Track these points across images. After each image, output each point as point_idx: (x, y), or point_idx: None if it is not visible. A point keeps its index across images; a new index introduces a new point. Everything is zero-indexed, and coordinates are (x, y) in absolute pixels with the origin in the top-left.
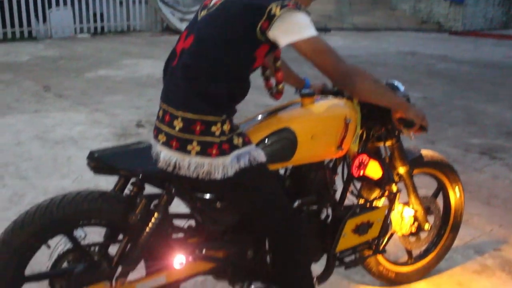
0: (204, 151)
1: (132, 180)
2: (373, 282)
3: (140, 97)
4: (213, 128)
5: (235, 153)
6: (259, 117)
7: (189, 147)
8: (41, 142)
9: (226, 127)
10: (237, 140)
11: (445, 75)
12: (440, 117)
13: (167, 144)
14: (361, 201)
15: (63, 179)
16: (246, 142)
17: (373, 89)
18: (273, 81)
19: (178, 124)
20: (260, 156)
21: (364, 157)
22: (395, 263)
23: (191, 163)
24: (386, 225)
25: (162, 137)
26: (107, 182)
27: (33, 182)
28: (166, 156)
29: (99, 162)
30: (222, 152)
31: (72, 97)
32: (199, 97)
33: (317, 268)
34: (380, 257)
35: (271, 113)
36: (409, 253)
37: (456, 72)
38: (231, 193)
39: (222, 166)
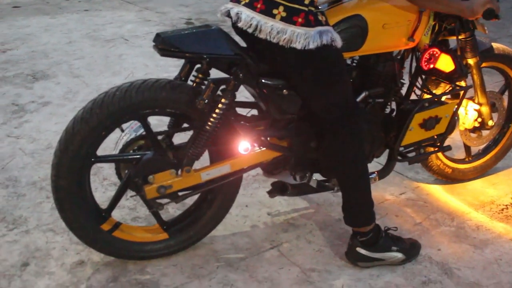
0: (290, 18)
1: (197, 66)
2: (426, 179)
3: None
4: None
5: (319, 28)
6: (326, 4)
7: (274, 11)
8: (92, 40)
9: None
10: (321, 17)
11: None
12: (504, 14)
13: (251, 5)
14: (428, 95)
15: (115, 77)
16: (327, 23)
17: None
18: None
19: None
20: (339, 40)
21: (436, 50)
22: (453, 160)
23: (274, 28)
24: (453, 121)
25: None
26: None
27: (86, 79)
28: (248, 17)
29: (166, 44)
30: (307, 23)
31: None
32: None
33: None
34: (439, 153)
35: (340, 1)
36: (467, 150)
37: None
38: (303, 68)
39: (305, 37)
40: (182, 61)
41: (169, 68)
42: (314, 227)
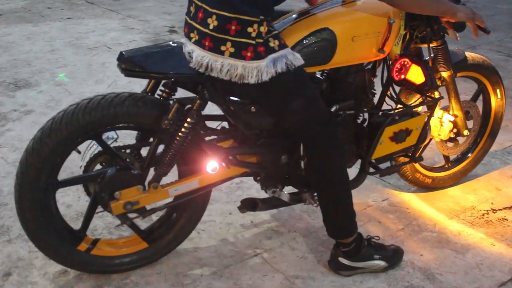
0: (239, 53)
1: (164, 81)
2: (408, 186)
3: (172, 2)
4: (249, 29)
5: (271, 56)
6: (294, 16)
7: (222, 48)
8: (75, 48)
9: (263, 29)
10: (273, 43)
11: None
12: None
13: (200, 43)
14: (399, 106)
15: (98, 85)
16: (283, 45)
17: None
18: None
19: (212, 22)
20: (297, 59)
21: (406, 60)
22: (431, 169)
23: (224, 65)
24: (424, 133)
25: (194, 35)
26: (142, 87)
27: (69, 88)
28: (198, 56)
29: (130, 64)
30: (257, 55)
31: (104, 3)
32: None
33: (351, 173)
34: (416, 164)
35: (308, 13)
36: (446, 158)
37: None
38: (265, 98)
39: (257, 70)
40: None
41: None
42: (298, 234)
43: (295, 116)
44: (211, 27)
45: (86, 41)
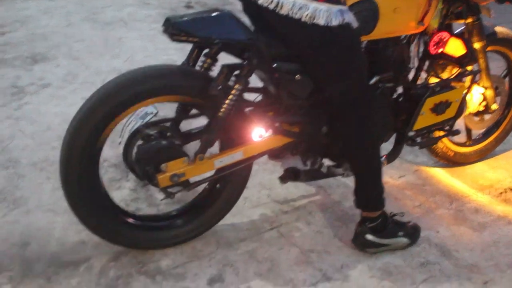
0: None
1: (206, 51)
2: (426, 163)
3: None
4: None
5: (340, 6)
6: None
7: None
8: (92, 23)
9: None
10: None
11: None
12: None
13: None
14: (435, 80)
15: (114, 59)
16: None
17: None
18: None
19: None
20: (356, 22)
21: (445, 34)
22: (455, 143)
23: (296, 3)
24: (462, 105)
25: None
26: (158, 62)
27: (86, 62)
28: None
29: (177, 28)
30: (330, 0)
31: None
32: None
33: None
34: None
35: None
36: (468, 133)
37: None
38: (322, 49)
39: (328, 13)
40: (183, 44)
41: (169, 51)
42: (314, 208)
43: (339, 78)
44: None
45: (103, 16)
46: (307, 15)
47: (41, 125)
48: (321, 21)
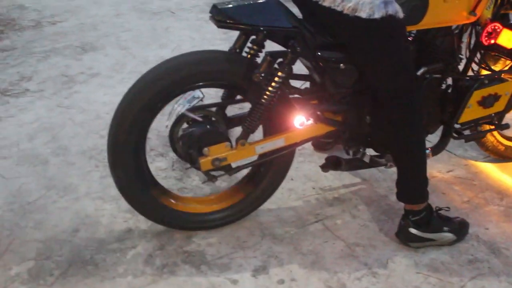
0: None
1: (252, 38)
2: (475, 157)
3: None
4: None
5: None
6: None
7: None
8: (139, 13)
9: None
10: None
11: None
12: None
13: None
14: (486, 72)
15: (161, 49)
16: None
17: None
18: None
19: None
20: (400, 12)
21: (498, 25)
22: (506, 137)
23: None
24: None
25: None
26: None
27: (133, 51)
28: None
29: (223, 15)
30: None
31: None
32: None
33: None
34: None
35: None
36: None
37: None
38: (366, 41)
39: (370, 6)
40: (229, 34)
41: (215, 41)
42: (360, 202)
43: (385, 68)
44: None
45: (150, 5)
46: (349, 7)
47: (90, 114)
48: (363, 14)
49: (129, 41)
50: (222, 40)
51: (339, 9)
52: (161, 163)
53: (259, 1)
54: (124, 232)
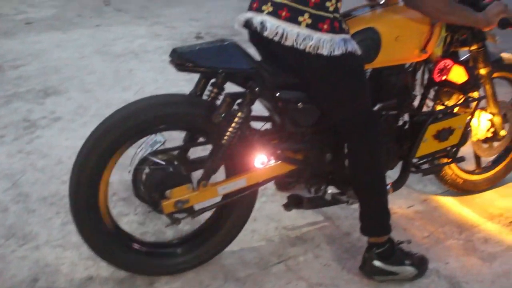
0: (315, 24)
1: (212, 81)
2: (435, 192)
3: (199, 9)
4: (328, 3)
5: (343, 36)
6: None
7: (300, 18)
8: (103, 55)
9: (339, 4)
10: (345, 26)
11: None
12: None
13: (275, 13)
14: (440, 107)
15: (125, 92)
16: (349, 33)
17: (446, 11)
18: None
19: None
20: (358, 50)
21: (448, 61)
22: (464, 170)
23: (300, 34)
24: (466, 132)
25: (267, 8)
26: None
27: (97, 94)
28: (273, 25)
29: (182, 59)
30: (333, 29)
31: (132, 11)
32: None
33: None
34: (451, 164)
35: (350, 15)
36: (477, 161)
37: None
38: (327, 78)
39: (331, 43)
40: (192, 75)
41: (179, 82)
42: (322, 240)
43: (345, 103)
44: None
45: (114, 48)
46: (311, 45)
47: (52, 159)
48: (324, 51)
49: (93, 84)
50: (186, 81)
51: (301, 47)
52: (124, 208)
53: (218, 44)
54: (85, 280)
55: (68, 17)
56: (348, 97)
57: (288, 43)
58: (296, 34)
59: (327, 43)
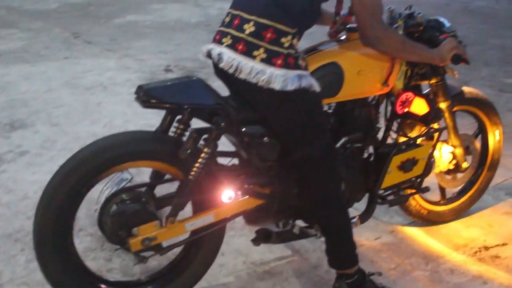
0: (269, 59)
1: (178, 117)
2: (401, 223)
3: (168, 41)
4: (283, 39)
5: (298, 72)
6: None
7: (255, 53)
8: (72, 88)
9: (295, 41)
10: (302, 62)
11: (480, 13)
12: (475, 57)
13: (232, 46)
14: (404, 139)
15: (93, 125)
16: (307, 69)
17: (402, 49)
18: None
19: (249, 28)
20: (317, 86)
21: (410, 94)
22: (429, 201)
23: (254, 68)
24: (430, 163)
25: (227, 40)
26: (136, 127)
27: (64, 128)
28: (229, 58)
29: (148, 95)
30: (286, 65)
31: (101, 43)
32: (277, 5)
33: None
34: (415, 195)
35: (315, 50)
36: (442, 192)
37: (492, 10)
38: (281, 112)
39: (284, 78)
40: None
41: (147, 115)
42: (290, 274)
43: (300, 140)
44: (247, 32)
45: (83, 80)
46: (263, 80)
47: (17, 194)
48: (276, 85)
49: (61, 117)
50: (154, 113)
51: (254, 81)
52: (90, 244)
53: (184, 80)
54: None
55: (37, 49)
56: (304, 133)
57: (242, 76)
58: (250, 68)
59: (279, 78)
